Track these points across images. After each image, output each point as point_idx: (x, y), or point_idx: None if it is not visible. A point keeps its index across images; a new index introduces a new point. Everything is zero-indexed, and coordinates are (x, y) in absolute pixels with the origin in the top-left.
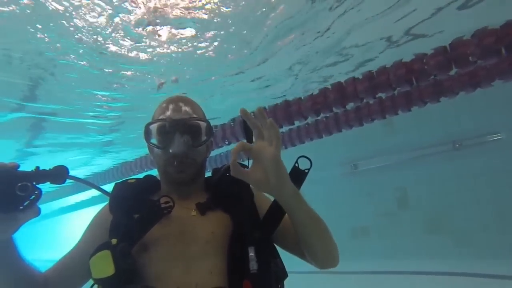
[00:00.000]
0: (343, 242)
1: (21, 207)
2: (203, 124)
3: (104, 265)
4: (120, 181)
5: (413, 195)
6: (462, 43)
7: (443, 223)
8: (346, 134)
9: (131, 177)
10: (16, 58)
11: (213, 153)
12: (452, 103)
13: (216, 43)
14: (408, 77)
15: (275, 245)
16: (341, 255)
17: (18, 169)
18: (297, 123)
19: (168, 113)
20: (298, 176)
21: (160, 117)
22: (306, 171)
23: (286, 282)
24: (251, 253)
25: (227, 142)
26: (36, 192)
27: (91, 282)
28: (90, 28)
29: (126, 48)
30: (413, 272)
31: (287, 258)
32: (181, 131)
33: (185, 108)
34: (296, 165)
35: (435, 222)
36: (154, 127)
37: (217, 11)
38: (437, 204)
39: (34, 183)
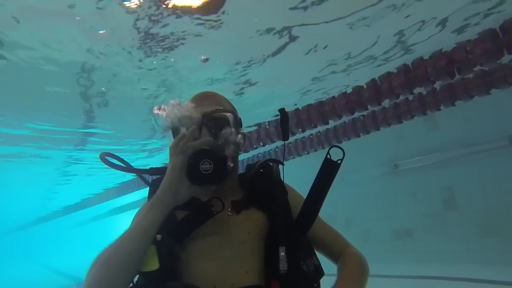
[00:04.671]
0: (385, 243)
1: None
2: (230, 116)
3: (149, 260)
4: (158, 177)
5: (462, 195)
6: None
7: (498, 225)
8: (385, 133)
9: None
10: None
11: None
12: (506, 94)
13: None
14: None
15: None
16: (383, 257)
17: None
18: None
19: (194, 109)
20: (330, 167)
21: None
22: (339, 162)
23: (326, 283)
24: (282, 253)
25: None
26: None
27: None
28: None
29: None
30: (466, 279)
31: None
32: (207, 124)
33: (211, 102)
34: (328, 156)
35: (489, 224)
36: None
37: None
38: (492, 205)
39: None
